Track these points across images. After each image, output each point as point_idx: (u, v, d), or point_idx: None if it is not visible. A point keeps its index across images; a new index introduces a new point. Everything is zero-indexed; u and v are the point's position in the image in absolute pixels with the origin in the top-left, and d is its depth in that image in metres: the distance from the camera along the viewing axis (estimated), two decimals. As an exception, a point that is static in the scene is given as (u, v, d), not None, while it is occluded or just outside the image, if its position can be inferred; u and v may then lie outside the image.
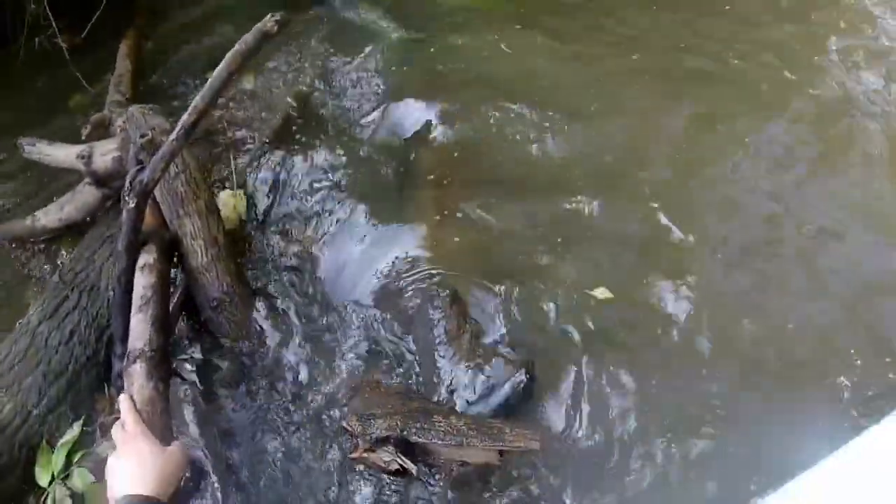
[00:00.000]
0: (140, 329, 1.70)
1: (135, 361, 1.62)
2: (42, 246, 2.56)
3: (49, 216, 2.55)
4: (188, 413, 1.79)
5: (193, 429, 1.75)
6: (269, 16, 1.91)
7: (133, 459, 1.32)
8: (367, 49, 2.88)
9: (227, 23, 3.38)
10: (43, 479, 1.86)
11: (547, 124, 2.38)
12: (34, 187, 2.79)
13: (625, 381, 1.71)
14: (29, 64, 3.35)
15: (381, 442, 1.56)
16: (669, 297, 1.85)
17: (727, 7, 3.09)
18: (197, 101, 1.87)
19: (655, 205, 2.10)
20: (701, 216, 2.08)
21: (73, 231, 2.53)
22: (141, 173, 1.86)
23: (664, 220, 2.06)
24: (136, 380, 1.59)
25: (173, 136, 1.87)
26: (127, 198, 1.87)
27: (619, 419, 1.65)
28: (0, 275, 2.50)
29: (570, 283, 1.91)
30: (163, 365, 1.65)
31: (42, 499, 1.84)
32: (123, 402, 1.45)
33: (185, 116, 1.88)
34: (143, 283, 1.83)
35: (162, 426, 1.47)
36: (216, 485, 1.61)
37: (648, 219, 2.08)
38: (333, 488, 1.63)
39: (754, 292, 1.89)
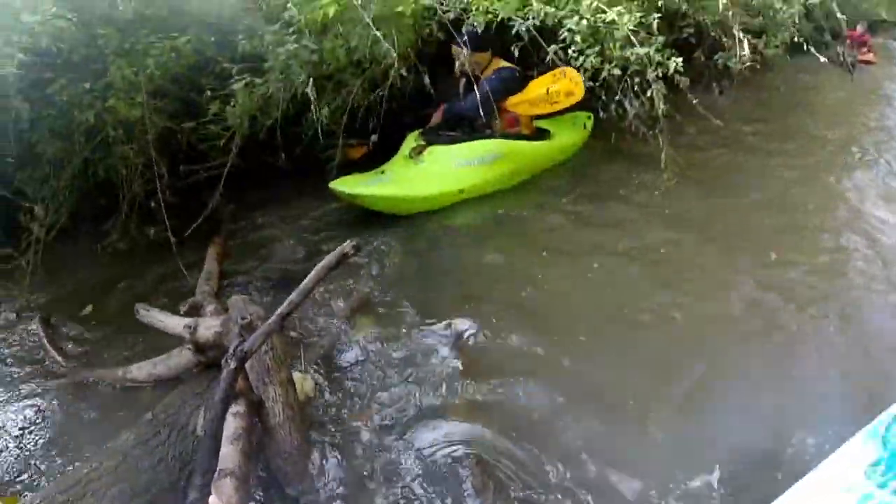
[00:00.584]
0: (231, 455, 2.27)
1: (225, 477, 2.17)
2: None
3: (141, 370, 3.20)
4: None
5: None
6: (348, 242, 2.73)
7: None
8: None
9: (279, 244, 4.47)
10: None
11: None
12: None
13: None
14: (149, 249, 4.34)
15: None
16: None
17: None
18: (293, 297, 2.66)
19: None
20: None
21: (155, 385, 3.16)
22: (242, 344, 2.57)
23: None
24: (225, 491, 2.11)
25: (271, 320, 2.62)
26: (229, 361, 2.56)
27: None
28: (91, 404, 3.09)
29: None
30: (246, 486, 2.18)
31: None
32: None
33: (281, 308, 2.64)
34: (234, 424, 2.42)
35: None
36: None
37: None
38: None
39: None
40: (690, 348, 3.06)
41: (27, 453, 3.02)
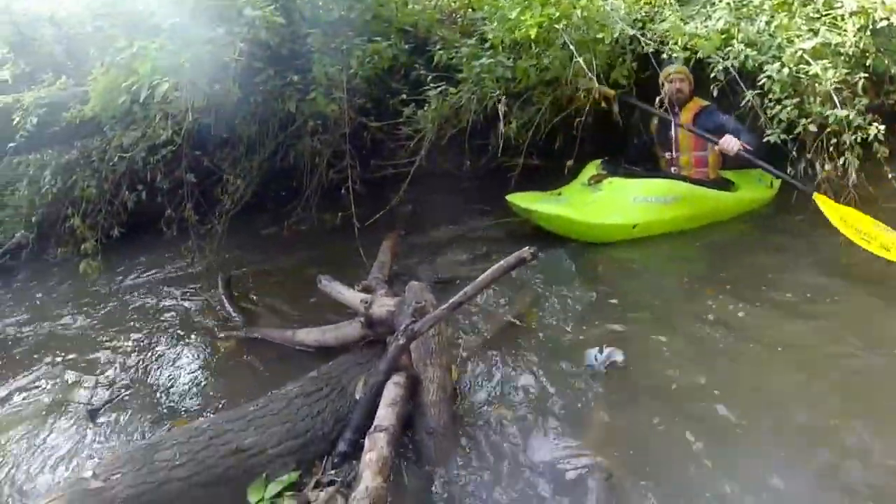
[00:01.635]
0: (387, 415, 2.48)
1: (381, 432, 2.37)
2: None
3: (309, 335, 3.51)
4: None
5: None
6: (527, 248, 2.84)
7: None
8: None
9: (449, 247, 4.72)
10: (252, 498, 2.52)
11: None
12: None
13: None
14: (338, 231, 4.77)
15: None
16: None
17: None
18: (468, 289, 2.82)
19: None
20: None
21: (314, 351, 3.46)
22: (414, 324, 2.76)
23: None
24: (377, 443, 2.31)
25: (444, 307, 2.79)
26: (399, 337, 2.76)
27: None
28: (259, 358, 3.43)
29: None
30: (395, 443, 2.36)
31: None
32: None
33: (455, 297, 2.80)
34: (394, 392, 2.64)
35: None
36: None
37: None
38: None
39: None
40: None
41: (198, 389, 3.43)
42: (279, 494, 2.53)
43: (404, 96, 4.84)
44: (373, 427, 2.43)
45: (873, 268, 3.70)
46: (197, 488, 2.51)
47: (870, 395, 2.81)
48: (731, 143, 4.44)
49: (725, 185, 4.93)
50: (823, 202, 4.17)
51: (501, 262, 2.91)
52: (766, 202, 5.05)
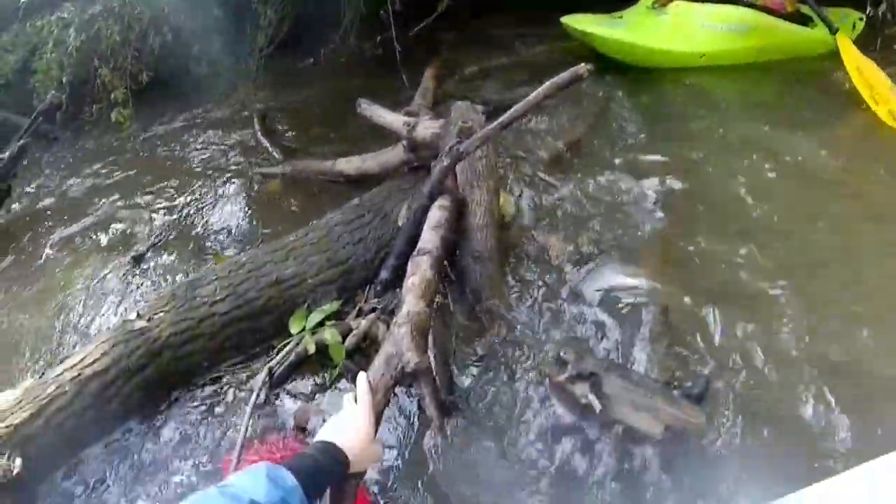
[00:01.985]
0: (432, 239, 2.28)
1: (424, 255, 2.18)
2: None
3: (350, 164, 3.32)
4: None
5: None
6: (582, 64, 2.49)
7: (351, 427, 1.47)
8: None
9: (498, 74, 4.41)
10: (294, 328, 2.43)
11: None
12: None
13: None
14: (377, 60, 4.52)
15: (583, 378, 1.95)
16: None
17: None
18: (518, 107, 2.47)
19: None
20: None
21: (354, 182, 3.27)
22: (460, 144, 2.49)
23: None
24: (420, 266, 2.13)
25: (491, 126, 2.49)
26: (444, 158, 2.51)
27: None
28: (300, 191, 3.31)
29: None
30: (439, 266, 2.18)
31: (287, 343, 2.38)
32: (361, 381, 1.61)
33: (504, 116, 2.49)
34: (438, 215, 2.43)
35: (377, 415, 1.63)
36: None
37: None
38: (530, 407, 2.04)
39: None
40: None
41: (240, 228, 3.33)
42: (321, 323, 2.44)
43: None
44: (416, 251, 2.24)
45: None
46: (238, 321, 2.46)
47: None
48: None
49: (802, 20, 4.40)
50: (844, 46, 3.86)
51: (555, 78, 2.55)
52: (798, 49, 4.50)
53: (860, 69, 3.75)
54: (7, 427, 2.09)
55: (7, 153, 3.97)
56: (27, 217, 4.04)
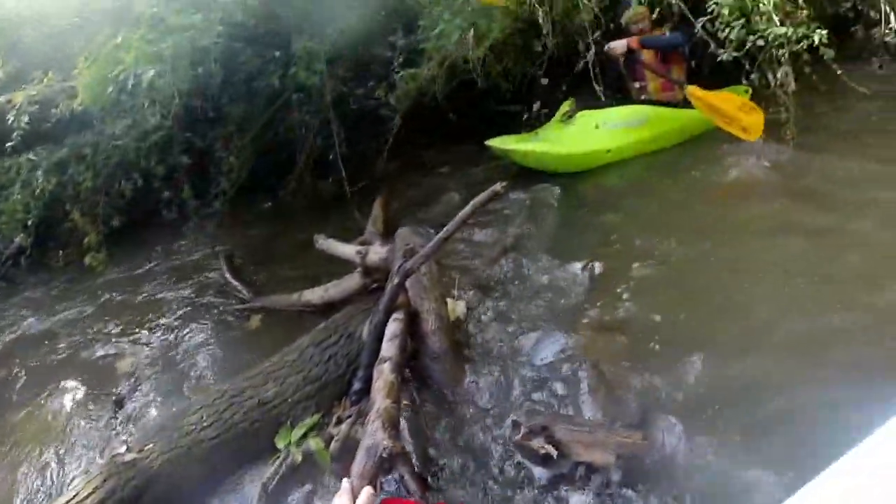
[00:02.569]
0: (390, 348, 2.67)
1: (385, 362, 2.55)
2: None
3: (314, 294, 3.70)
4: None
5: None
6: (498, 183, 2.96)
7: None
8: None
9: (439, 197, 4.87)
10: (280, 443, 2.72)
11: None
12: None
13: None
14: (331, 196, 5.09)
15: (536, 434, 2.29)
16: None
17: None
18: (449, 226, 2.95)
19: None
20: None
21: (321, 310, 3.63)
22: (405, 263, 2.92)
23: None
24: (383, 372, 2.49)
25: (430, 245, 2.96)
26: (394, 277, 2.92)
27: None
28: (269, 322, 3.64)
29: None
30: (400, 370, 2.55)
31: (277, 458, 2.67)
32: (345, 489, 1.50)
33: (439, 234, 2.95)
34: (393, 328, 2.81)
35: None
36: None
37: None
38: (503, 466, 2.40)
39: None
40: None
41: (216, 362, 3.63)
42: (304, 436, 2.72)
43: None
44: (378, 360, 2.60)
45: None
46: (227, 444, 2.72)
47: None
48: (616, 44, 4.82)
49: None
50: (691, 91, 4.60)
51: (477, 197, 3.03)
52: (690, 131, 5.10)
53: (708, 105, 4.51)
54: None
55: None
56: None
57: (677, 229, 3.68)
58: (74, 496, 2.48)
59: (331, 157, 4.80)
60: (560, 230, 4.06)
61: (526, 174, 4.81)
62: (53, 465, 3.19)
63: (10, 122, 4.54)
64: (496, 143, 4.91)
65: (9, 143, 4.62)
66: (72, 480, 3.02)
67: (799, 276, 3.04)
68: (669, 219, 3.89)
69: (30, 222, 5.06)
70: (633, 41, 4.83)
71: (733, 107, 4.46)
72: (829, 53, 3.87)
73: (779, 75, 4.06)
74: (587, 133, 4.79)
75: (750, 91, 4.91)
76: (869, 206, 3.48)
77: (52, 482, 3.09)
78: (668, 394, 2.53)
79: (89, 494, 2.47)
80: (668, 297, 3.13)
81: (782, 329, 2.75)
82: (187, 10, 4.35)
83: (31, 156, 5.15)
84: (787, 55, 3.94)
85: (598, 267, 3.46)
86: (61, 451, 3.26)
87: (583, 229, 4.03)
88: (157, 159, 4.93)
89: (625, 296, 3.22)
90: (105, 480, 2.52)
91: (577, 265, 3.50)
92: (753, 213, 3.78)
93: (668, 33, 4.89)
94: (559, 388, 2.70)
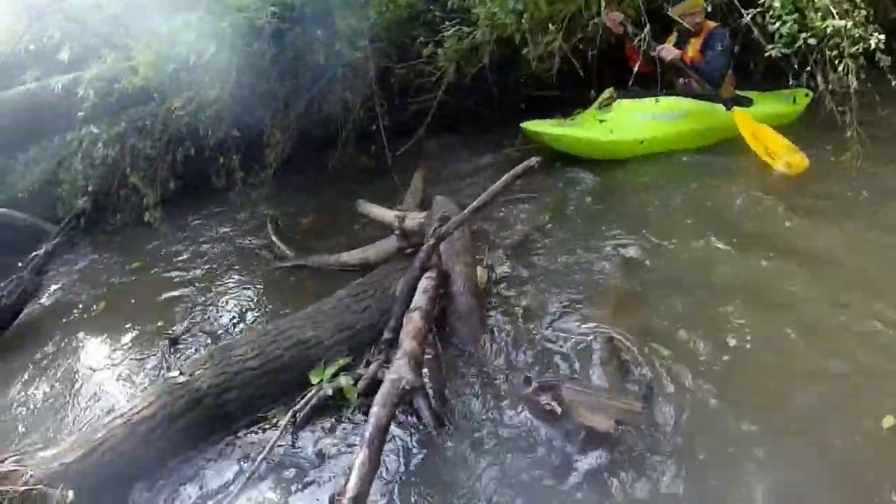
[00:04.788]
0: (422, 299, 2.98)
1: (415, 311, 2.86)
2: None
3: (352, 256, 4.03)
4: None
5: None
6: (533, 157, 3.23)
7: None
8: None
9: (474, 175, 5.19)
10: (314, 379, 3.04)
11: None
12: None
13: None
14: (372, 170, 5.49)
15: (545, 391, 2.58)
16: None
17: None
18: (483, 196, 3.23)
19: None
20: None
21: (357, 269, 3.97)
22: (441, 227, 3.22)
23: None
24: (413, 318, 2.82)
25: (464, 212, 3.25)
26: (430, 238, 3.22)
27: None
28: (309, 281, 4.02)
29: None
30: (429, 319, 2.87)
31: (309, 392, 2.99)
32: None
33: (474, 203, 3.23)
34: (425, 284, 3.13)
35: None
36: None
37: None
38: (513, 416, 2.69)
39: None
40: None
41: (261, 313, 3.99)
42: (336, 374, 3.05)
43: (422, 39, 5.25)
44: (409, 309, 2.92)
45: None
46: (267, 375, 3.07)
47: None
48: (668, 52, 4.88)
49: (740, 101, 5.09)
50: (739, 117, 4.69)
51: (511, 171, 3.32)
52: (786, 118, 5.22)
53: (755, 135, 4.57)
54: (60, 465, 2.56)
55: (42, 251, 4.60)
56: (57, 310, 4.70)
57: (710, 225, 3.86)
58: (130, 409, 2.84)
59: (374, 128, 5.09)
60: (592, 213, 4.31)
61: (563, 159, 5.06)
62: (112, 391, 3.58)
63: (79, 95, 4.92)
64: (531, 126, 5.12)
65: (80, 114, 5.01)
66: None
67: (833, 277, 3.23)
68: (703, 214, 4.05)
69: (89, 188, 5.61)
70: (687, 57, 4.94)
71: (781, 144, 4.46)
72: (884, 60, 3.77)
73: (839, 70, 3.93)
74: (623, 121, 4.95)
75: (811, 95, 5.01)
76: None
77: (111, 405, 3.43)
78: (678, 372, 2.77)
79: (144, 407, 2.83)
80: (693, 286, 3.35)
81: (807, 315, 2.98)
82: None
83: (93, 128, 5.57)
84: (848, 52, 3.83)
85: (629, 252, 3.71)
86: (120, 380, 3.66)
87: (615, 214, 4.23)
88: (211, 131, 5.26)
89: (649, 278, 3.49)
90: (158, 397, 2.88)
91: (607, 246, 3.78)
92: (790, 211, 3.89)
93: (716, 30, 4.99)
94: (573, 356, 2.98)
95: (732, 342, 2.89)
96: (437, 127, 5.56)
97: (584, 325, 3.13)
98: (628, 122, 4.95)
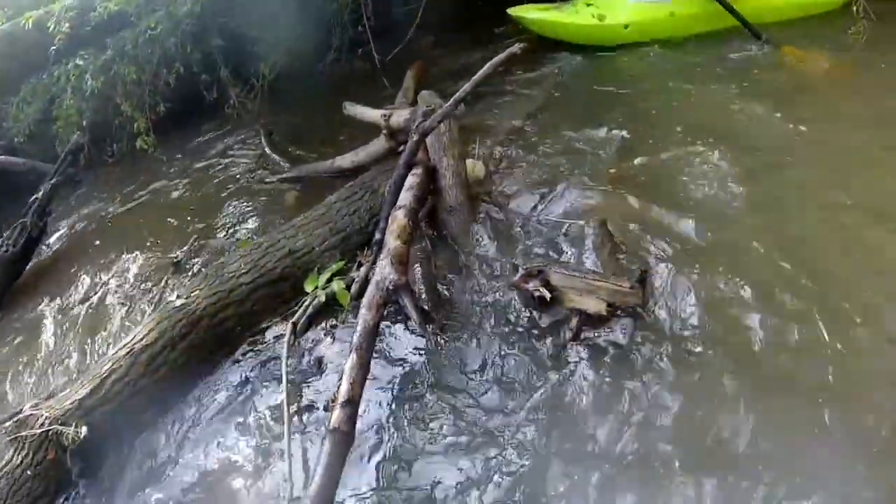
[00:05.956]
0: (406, 197, 2.89)
1: (399, 209, 2.77)
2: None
3: (345, 160, 3.94)
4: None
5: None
6: (517, 44, 3.05)
7: None
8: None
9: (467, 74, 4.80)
10: (308, 287, 3.03)
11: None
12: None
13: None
14: (364, 73, 5.31)
15: (532, 277, 2.51)
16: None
17: None
18: (466, 86, 3.07)
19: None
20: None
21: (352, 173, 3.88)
22: (425, 121, 3.08)
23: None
24: (397, 217, 2.73)
25: (447, 104, 3.10)
26: (414, 133, 3.10)
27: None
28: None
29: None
30: (414, 216, 2.79)
31: (305, 300, 2.98)
32: None
33: (456, 95, 3.08)
34: (412, 180, 3.03)
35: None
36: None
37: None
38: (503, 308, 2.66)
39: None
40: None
41: (257, 224, 3.96)
42: (329, 280, 3.02)
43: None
44: (394, 207, 2.84)
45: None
46: (262, 288, 3.06)
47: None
48: None
49: None
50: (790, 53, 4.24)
51: (494, 58, 3.15)
52: (807, 9, 4.67)
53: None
54: (72, 403, 2.63)
55: (42, 192, 4.54)
56: (65, 251, 4.73)
57: (707, 111, 3.75)
58: (132, 338, 2.88)
59: (359, 27, 4.89)
60: (585, 100, 4.18)
61: (555, 49, 4.86)
62: (116, 318, 3.62)
63: (51, 28, 4.78)
64: (518, 10, 4.92)
65: (52, 48, 4.91)
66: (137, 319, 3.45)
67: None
68: (700, 101, 3.92)
69: (84, 123, 5.40)
70: None
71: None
72: None
73: None
74: (609, 6, 4.69)
75: None
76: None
77: (118, 330, 3.51)
78: (670, 253, 2.70)
79: (145, 335, 2.86)
80: (687, 169, 3.24)
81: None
82: None
83: (78, 61, 5.37)
84: None
85: (619, 133, 3.59)
86: (126, 305, 3.70)
87: (609, 101, 4.08)
88: (192, 46, 5.10)
89: (643, 162, 3.36)
90: (158, 323, 2.90)
91: (600, 131, 3.65)
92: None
93: None
94: (565, 243, 2.91)
95: (730, 232, 2.81)
96: (429, 25, 5.30)
97: (577, 210, 3.06)
98: (615, 5, 4.68)
